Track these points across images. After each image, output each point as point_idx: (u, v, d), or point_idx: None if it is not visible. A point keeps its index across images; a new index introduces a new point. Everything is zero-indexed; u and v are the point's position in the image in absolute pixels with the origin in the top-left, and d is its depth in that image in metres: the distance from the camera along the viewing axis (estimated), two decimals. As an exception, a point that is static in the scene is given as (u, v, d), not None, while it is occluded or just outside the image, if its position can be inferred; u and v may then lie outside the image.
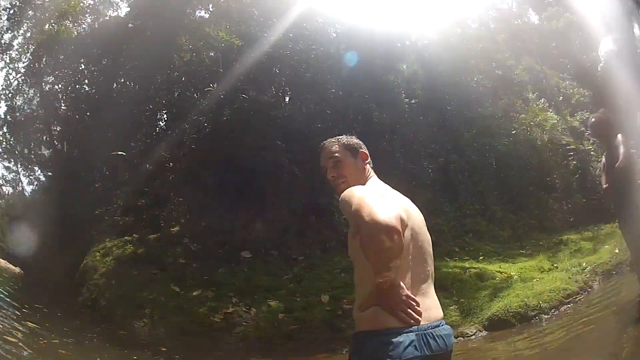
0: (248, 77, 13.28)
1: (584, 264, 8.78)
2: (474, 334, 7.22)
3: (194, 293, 9.85)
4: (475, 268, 8.88)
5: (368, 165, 2.88)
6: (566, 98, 15.35)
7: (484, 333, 7.21)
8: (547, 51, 17.10)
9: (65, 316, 10.57)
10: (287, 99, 15.16)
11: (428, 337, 2.31)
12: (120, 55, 18.68)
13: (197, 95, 15.80)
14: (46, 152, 29.86)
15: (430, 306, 2.44)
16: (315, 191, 12.00)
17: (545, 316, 7.21)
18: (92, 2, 26.32)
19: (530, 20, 32.29)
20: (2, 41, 28.58)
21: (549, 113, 14.37)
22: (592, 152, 12.87)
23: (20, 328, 6.38)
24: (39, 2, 28.07)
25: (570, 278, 8.16)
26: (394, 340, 2.25)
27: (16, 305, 10.67)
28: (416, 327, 2.30)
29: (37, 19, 27.37)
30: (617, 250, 8.75)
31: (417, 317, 2.31)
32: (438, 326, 2.40)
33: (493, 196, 12.21)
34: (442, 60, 14.90)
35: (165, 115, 19.76)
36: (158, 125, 21.29)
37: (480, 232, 10.98)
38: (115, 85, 20.48)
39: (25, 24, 28.48)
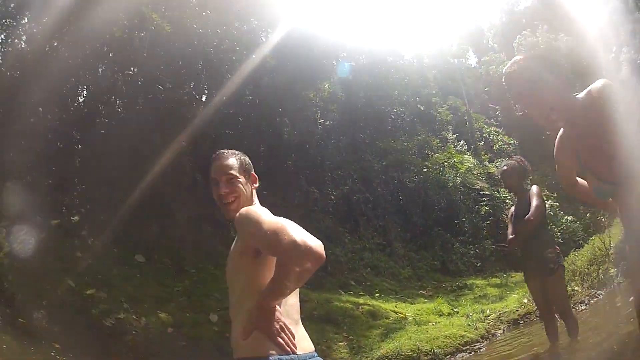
0: (168, 67, 12.84)
1: (487, 311, 8.86)
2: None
3: (88, 291, 9.23)
4: (369, 305, 8.74)
5: (254, 190, 2.86)
6: (488, 144, 15.61)
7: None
8: (478, 95, 17.47)
9: None
10: (203, 98, 14.73)
11: None
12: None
13: (118, 76, 15.23)
14: None
15: (303, 336, 2.46)
16: (215, 202, 11.58)
17: (441, 363, 7.07)
18: None
19: (469, 61, 33.19)
20: None
21: (465, 156, 14.55)
22: (507, 200, 13.06)
23: None
24: None
25: (470, 325, 8.12)
26: None
27: None
28: (296, 355, 2.30)
29: None
30: (525, 300, 8.84)
31: (293, 346, 2.31)
32: (313, 357, 2.41)
33: (396, 232, 12.16)
34: (366, 86, 14.80)
35: (85, 92, 19.12)
36: (77, 102, 20.45)
37: (379, 268, 10.95)
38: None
39: None
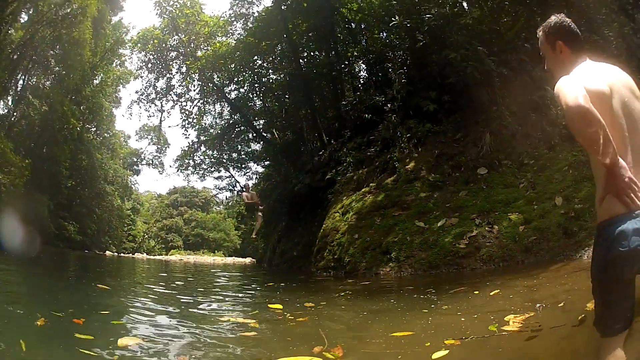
0: None
1: None
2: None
3: (439, 224, 10.48)
4: None
5: (571, 52, 2.78)
6: None
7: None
8: None
9: (303, 285, 11.47)
10: (465, 5, 15.04)
11: None
12: (292, 35, 20.79)
13: (383, 34, 16.48)
14: (257, 147, 34.45)
15: None
16: (527, 87, 11.87)
17: None
18: (231, 12, 29.45)
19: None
20: (157, 89, 34.00)
21: None
22: None
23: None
24: (174, 43, 32.18)
25: None
26: (619, 229, 2.30)
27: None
28: None
29: (183, 54, 31.56)
30: None
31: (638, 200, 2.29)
32: None
33: None
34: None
35: (363, 65, 21.67)
36: (360, 76, 22.95)
37: None
38: (301, 61, 22.48)
39: (175, 64, 32.96)
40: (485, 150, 11.99)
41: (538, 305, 4.92)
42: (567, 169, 9.75)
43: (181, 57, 31.86)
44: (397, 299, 7.36)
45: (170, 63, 32.59)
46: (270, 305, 6.88)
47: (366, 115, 16.90)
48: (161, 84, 33.78)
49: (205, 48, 30.48)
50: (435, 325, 5.03)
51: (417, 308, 6.08)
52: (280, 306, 6.71)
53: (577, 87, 2.33)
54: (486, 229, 9.63)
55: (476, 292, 6.54)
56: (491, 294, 6.20)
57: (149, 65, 33.11)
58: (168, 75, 33.11)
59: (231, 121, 33.64)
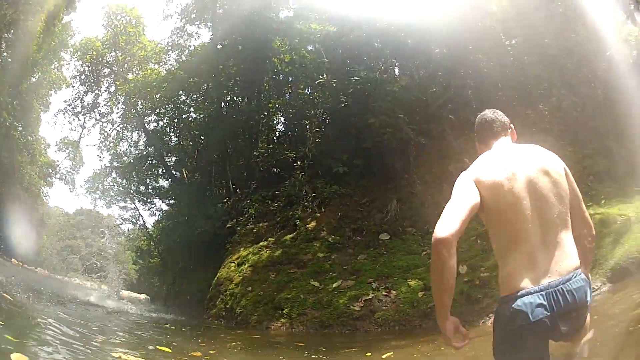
0: (353, 59, 13.52)
1: None
2: (598, 288, 6.86)
3: (334, 285, 10.46)
4: (599, 213, 8.38)
5: (484, 145, 2.96)
6: None
7: (607, 287, 6.86)
8: None
9: (194, 330, 11.04)
10: (396, 71, 15.32)
11: (558, 293, 2.37)
12: (220, 76, 19.66)
13: (308, 90, 16.40)
14: (165, 184, 32.60)
15: (560, 258, 2.46)
16: (444, 158, 12.05)
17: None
18: (170, 40, 28.84)
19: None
20: (84, 103, 32.58)
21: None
22: None
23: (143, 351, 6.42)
24: (110, 60, 31.29)
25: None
26: (515, 304, 2.39)
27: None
28: (546, 283, 2.38)
29: (116, 72, 30.61)
30: None
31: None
32: (570, 280, 2.42)
33: (606, 131, 11.36)
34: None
35: (282, 119, 20.86)
36: (277, 129, 22.36)
37: (599, 173, 10.37)
38: (223, 104, 22.11)
39: (105, 81, 31.86)
40: (390, 216, 12.10)
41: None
42: (475, 239, 9.88)
43: (113, 76, 31.06)
44: (288, 355, 7.29)
45: (102, 80, 31.69)
46: (159, 347, 6.78)
47: (275, 170, 16.92)
48: (89, 98, 32.77)
49: (137, 72, 29.99)
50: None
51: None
52: (169, 350, 6.65)
53: (458, 204, 2.50)
54: (383, 293, 9.65)
55: (368, 354, 6.49)
56: (383, 357, 6.18)
57: (82, 76, 32.16)
58: (97, 91, 32.20)
59: (145, 152, 32.71)
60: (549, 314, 2.34)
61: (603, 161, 10.80)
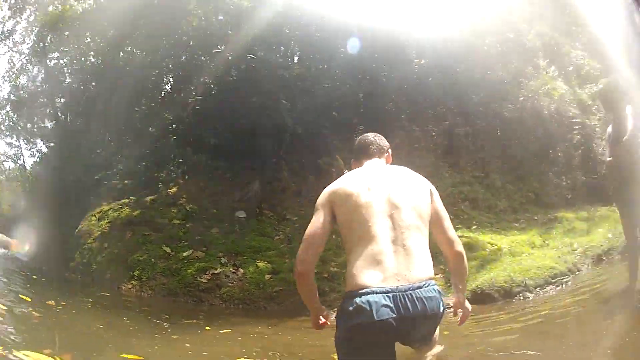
0: (257, 38, 13.18)
1: (575, 245, 8.63)
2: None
3: (184, 254, 10.08)
4: (466, 237, 8.73)
5: (357, 162, 3.24)
6: (576, 68, 14.71)
7: (467, 306, 7.10)
8: (560, 18, 16.32)
9: (53, 282, 11.07)
10: (295, 59, 15.17)
11: (407, 298, 2.45)
12: (127, 26, 18.76)
13: (204, 58, 15.79)
14: (49, 125, 30.56)
15: (411, 267, 2.58)
16: (317, 151, 12.21)
17: (530, 295, 7.07)
18: None
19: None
20: (5, 28, 29.73)
21: (558, 82, 13.85)
22: (597, 129, 12.40)
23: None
24: None
25: (559, 257, 8.01)
26: (359, 300, 2.50)
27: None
28: (394, 286, 2.48)
29: (40, 3, 28.12)
30: (610, 235, 8.59)
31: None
32: (420, 287, 2.51)
33: (494, 164, 11.97)
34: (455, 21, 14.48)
35: (171, 80, 19.88)
36: (163, 90, 21.50)
37: (476, 201, 10.82)
38: (121, 54, 20.74)
39: (28, 9, 29.15)
40: (249, 196, 11.85)
41: (271, 352, 5.08)
42: (330, 234, 9.62)
43: (37, 5, 28.47)
44: (132, 318, 7.34)
45: (27, 7, 29.02)
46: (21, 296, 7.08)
47: (150, 129, 15.96)
48: (9, 25, 29.88)
49: (57, 5, 27.56)
50: (160, 354, 5.11)
51: (149, 332, 6.18)
52: (28, 299, 6.92)
53: (315, 233, 2.86)
54: (231, 269, 9.40)
55: (207, 327, 6.65)
56: (221, 332, 6.37)
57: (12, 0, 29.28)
58: (18, 18, 29.38)
59: (39, 89, 30.32)
60: (395, 315, 2.42)
61: (482, 191, 11.22)
